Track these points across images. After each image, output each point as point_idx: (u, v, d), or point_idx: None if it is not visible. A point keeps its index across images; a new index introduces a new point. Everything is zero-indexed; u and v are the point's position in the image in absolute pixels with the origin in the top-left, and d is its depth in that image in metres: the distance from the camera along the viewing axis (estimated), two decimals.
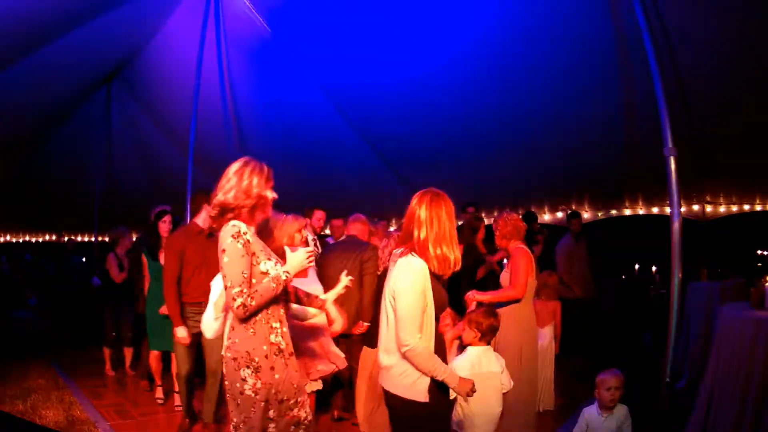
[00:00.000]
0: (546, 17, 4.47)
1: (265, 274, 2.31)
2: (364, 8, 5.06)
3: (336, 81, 6.16)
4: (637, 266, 10.55)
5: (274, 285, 2.27)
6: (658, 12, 3.96)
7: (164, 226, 4.71)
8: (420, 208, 2.29)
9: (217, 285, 2.63)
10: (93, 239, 10.81)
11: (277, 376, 2.29)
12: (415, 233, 2.28)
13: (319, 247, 5.05)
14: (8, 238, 13.43)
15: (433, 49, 5.16)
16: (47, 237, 13.73)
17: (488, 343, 3.07)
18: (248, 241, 2.29)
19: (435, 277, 2.30)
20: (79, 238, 12.87)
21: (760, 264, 8.08)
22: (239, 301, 2.20)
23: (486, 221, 5.85)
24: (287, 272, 2.31)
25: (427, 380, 2.25)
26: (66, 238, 12.57)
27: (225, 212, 2.34)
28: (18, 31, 4.72)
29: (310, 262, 2.38)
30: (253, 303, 2.22)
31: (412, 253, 2.28)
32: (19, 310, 7.79)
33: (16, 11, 4.41)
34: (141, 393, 5.21)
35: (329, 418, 4.39)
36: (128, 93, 8.02)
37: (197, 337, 3.87)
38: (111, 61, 7.08)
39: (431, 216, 2.27)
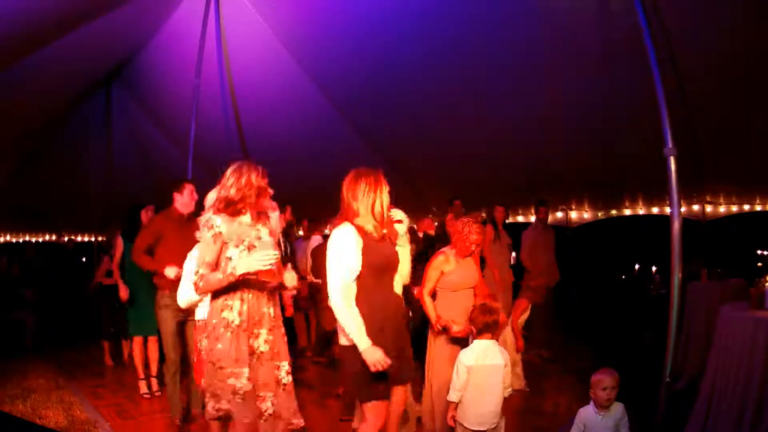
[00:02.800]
0: (546, 17, 4.48)
1: (229, 259, 2.61)
2: (365, 10, 5.08)
3: (335, 80, 6.16)
4: (637, 266, 10.55)
5: (221, 277, 2.56)
6: (658, 12, 3.96)
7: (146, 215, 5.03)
8: (346, 184, 2.57)
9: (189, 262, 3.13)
10: (93, 239, 10.80)
11: (219, 346, 2.58)
12: (347, 204, 2.55)
13: (286, 244, 5.41)
14: (8, 238, 13.40)
15: (432, 50, 5.16)
16: (47, 237, 13.71)
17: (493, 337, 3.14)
18: (219, 232, 2.60)
19: (380, 238, 2.55)
20: (79, 238, 12.85)
21: (760, 264, 8.06)
22: (194, 279, 2.61)
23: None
24: (234, 268, 2.54)
25: None
26: (66, 238, 12.55)
27: (230, 205, 2.64)
28: (18, 31, 4.72)
29: (265, 265, 2.53)
30: (201, 284, 2.59)
31: (344, 222, 2.55)
32: (19, 310, 7.78)
33: (16, 12, 4.41)
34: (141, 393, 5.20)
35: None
36: (128, 93, 8.01)
37: (182, 326, 3.97)
38: (111, 61, 7.08)
39: (356, 189, 2.53)
